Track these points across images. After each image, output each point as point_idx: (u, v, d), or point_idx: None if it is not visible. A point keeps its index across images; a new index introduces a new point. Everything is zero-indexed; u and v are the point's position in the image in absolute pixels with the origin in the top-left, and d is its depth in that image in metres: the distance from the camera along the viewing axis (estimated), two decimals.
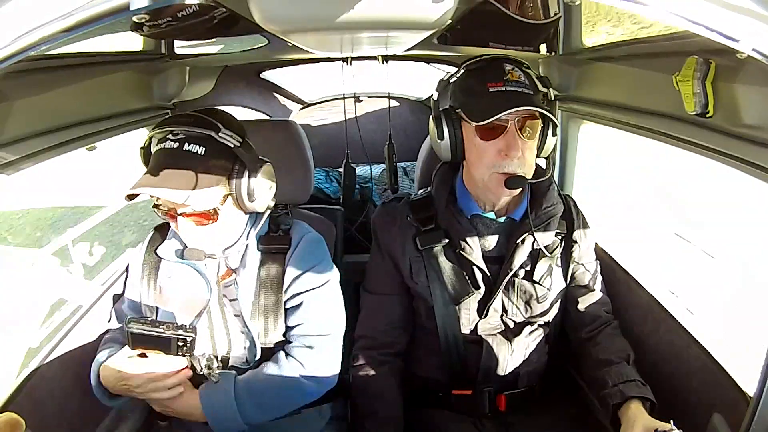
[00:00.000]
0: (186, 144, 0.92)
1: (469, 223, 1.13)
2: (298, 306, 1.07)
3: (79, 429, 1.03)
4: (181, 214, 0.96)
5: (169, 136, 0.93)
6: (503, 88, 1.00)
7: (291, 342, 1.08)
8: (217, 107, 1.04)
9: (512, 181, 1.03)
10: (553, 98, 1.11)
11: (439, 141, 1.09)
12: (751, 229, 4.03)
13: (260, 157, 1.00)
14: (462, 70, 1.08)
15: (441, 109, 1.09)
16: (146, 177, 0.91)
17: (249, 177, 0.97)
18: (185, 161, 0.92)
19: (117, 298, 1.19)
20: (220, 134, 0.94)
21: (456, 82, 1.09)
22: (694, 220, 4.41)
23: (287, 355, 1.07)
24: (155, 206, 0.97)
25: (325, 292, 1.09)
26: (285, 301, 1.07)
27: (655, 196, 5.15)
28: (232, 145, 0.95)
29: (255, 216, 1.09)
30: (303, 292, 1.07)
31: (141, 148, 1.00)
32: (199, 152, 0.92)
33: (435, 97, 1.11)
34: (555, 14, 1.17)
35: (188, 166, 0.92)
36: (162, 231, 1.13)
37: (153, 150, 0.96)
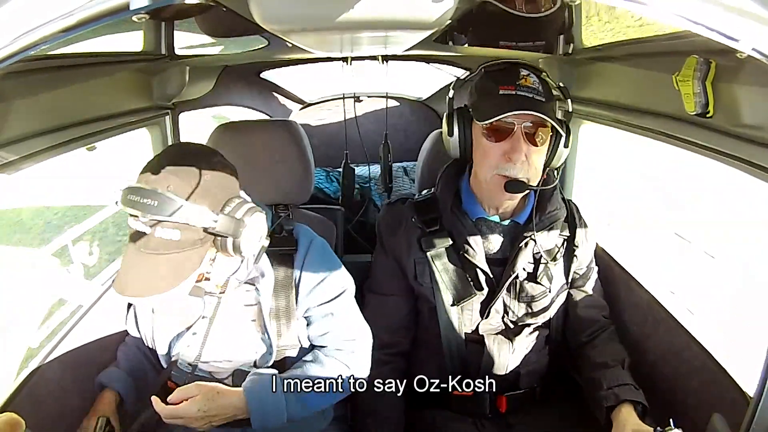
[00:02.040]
0: (157, 230, 0.81)
1: (473, 226, 1.13)
2: (325, 315, 1.06)
3: (78, 429, 1.03)
4: None
5: (141, 218, 0.80)
6: (514, 92, 1.01)
7: (325, 346, 1.08)
8: (202, 145, 0.96)
9: (512, 184, 1.04)
10: (571, 110, 1.10)
11: (449, 138, 1.11)
12: (752, 228, 4.04)
13: (252, 206, 0.88)
14: (480, 72, 1.09)
15: (456, 107, 1.11)
16: (122, 279, 0.82)
17: (232, 243, 0.86)
18: (161, 247, 0.81)
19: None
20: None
21: (472, 82, 1.11)
22: (693, 218, 4.41)
23: (326, 355, 1.07)
24: None
25: (349, 296, 1.09)
26: (306, 309, 1.05)
27: (653, 192, 5.15)
28: (208, 226, 0.82)
29: None
30: (329, 301, 1.05)
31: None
32: (173, 238, 0.81)
33: (450, 95, 1.13)
34: (559, 3, 1.15)
35: (165, 251, 0.81)
36: None
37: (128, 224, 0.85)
